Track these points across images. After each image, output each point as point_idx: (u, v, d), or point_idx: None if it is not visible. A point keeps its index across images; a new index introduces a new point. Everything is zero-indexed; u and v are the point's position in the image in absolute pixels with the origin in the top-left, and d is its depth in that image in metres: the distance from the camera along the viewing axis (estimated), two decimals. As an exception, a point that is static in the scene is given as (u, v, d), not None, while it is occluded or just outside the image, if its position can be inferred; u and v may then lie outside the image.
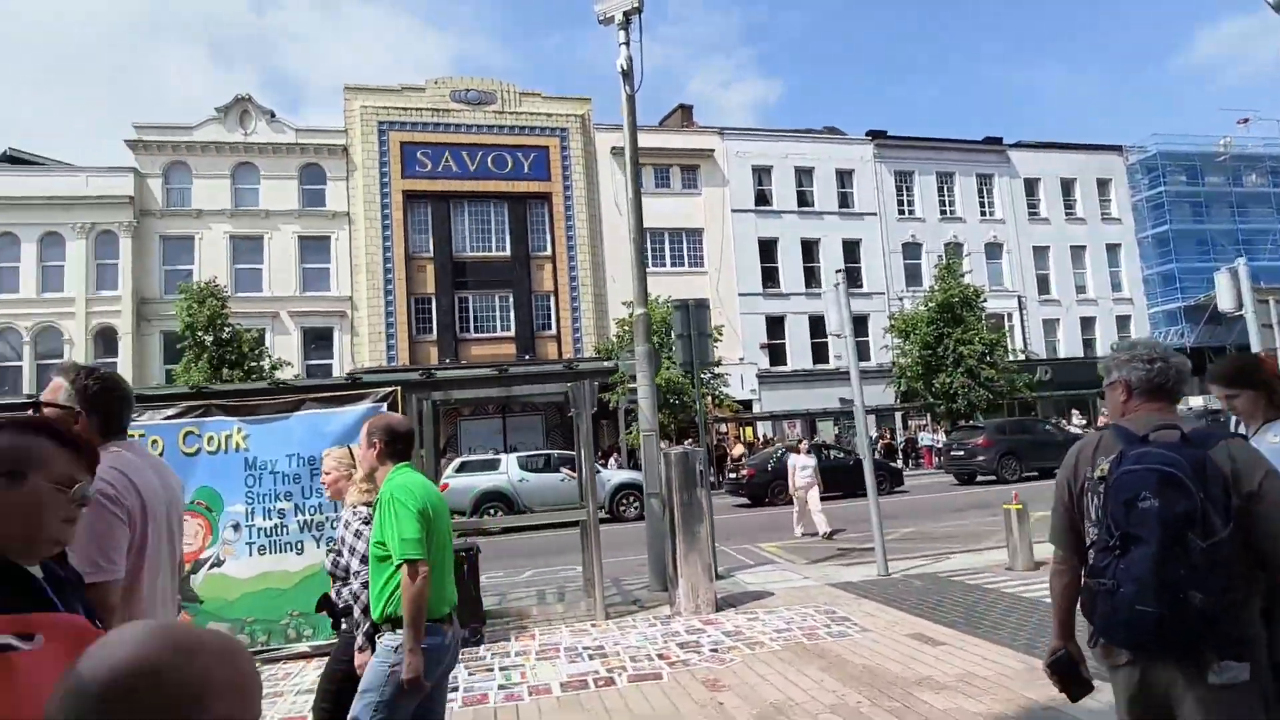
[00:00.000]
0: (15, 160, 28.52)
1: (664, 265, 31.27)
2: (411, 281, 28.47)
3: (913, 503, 16.75)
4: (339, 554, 3.53)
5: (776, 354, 31.31)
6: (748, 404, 30.10)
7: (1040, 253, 34.97)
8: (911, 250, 33.43)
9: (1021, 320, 33.56)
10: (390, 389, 6.66)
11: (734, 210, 31.64)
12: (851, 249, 32.70)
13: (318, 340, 27.97)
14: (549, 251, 29.94)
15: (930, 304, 27.09)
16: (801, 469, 12.27)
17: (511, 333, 28.98)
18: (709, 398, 25.13)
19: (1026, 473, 18.89)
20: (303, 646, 6.38)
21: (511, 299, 29.28)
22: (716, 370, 25.49)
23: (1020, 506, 8.08)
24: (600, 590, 6.99)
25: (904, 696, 4.53)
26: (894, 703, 4.44)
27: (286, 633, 6.39)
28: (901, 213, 33.72)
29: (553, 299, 29.76)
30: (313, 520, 6.49)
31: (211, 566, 6.34)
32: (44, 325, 26.19)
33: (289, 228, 28.12)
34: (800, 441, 13.91)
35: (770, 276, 32.02)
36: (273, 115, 28.54)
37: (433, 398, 6.76)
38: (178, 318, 22.34)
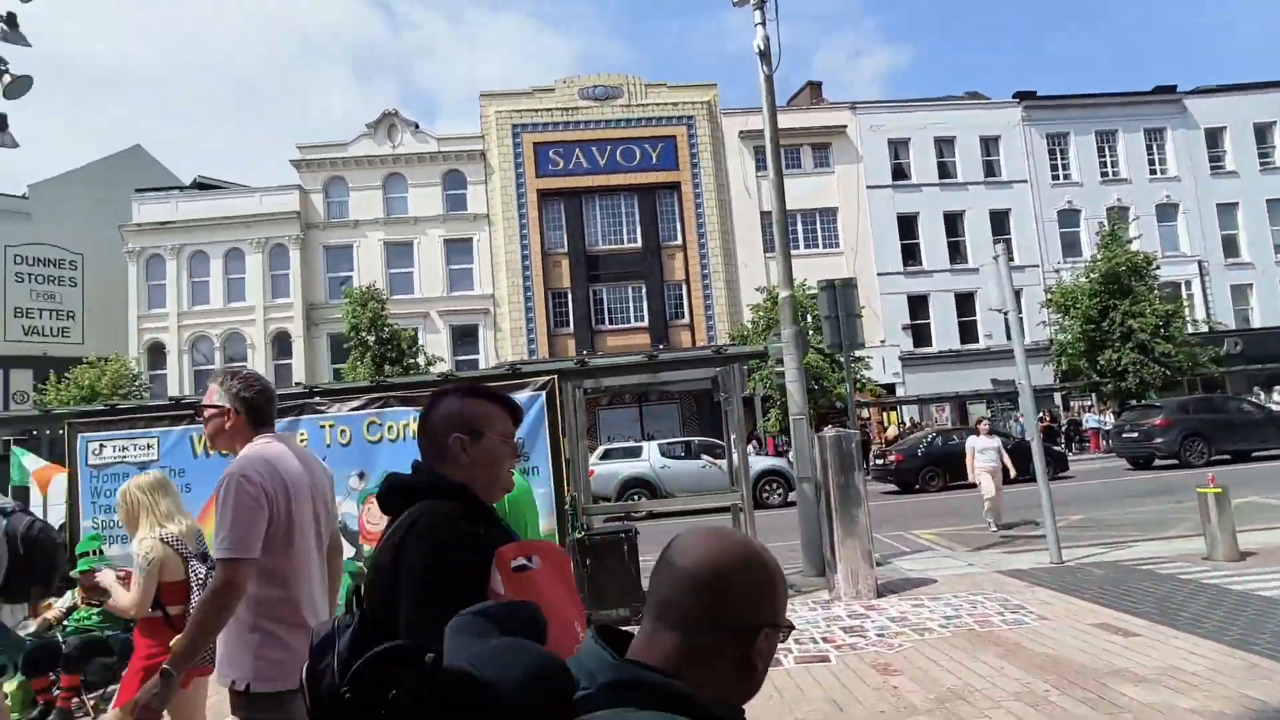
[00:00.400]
0: (203, 186, 31.96)
1: (797, 248, 30.54)
2: (548, 277, 29.47)
3: (1081, 488, 15.57)
4: None
5: (920, 335, 29.97)
6: (890, 388, 29.02)
7: (1226, 210, 31.31)
8: (1068, 218, 30.92)
9: (1203, 287, 30.28)
10: (548, 377, 6.94)
11: (869, 187, 30.49)
12: (1000, 220, 30.69)
13: (464, 337, 29.53)
14: (679, 240, 30.08)
15: (1092, 275, 24.89)
16: (981, 452, 10.79)
17: (645, 323, 29.39)
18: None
19: (1216, 456, 17.04)
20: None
21: (644, 289, 29.68)
22: (857, 354, 24.68)
23: (1220, 490, 7.32)
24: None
25: (1097, 687, 4.24)
26: (1086, 693, 4.17)
27: (463, 607, 6.83)
28: (1055, 178, 31.25)
29: (685, 288, 29.89)
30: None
31: (395, 545, 6.89)
32: (230, 332, 29.20)
33: (435, 232, 29.81)
34: (980, 421, 12.69)
35: (911, 254, 30.64)
36: (416, 126, 30.30)
37: (584, 385, 6.98)
38: (344, 320, 24.20)
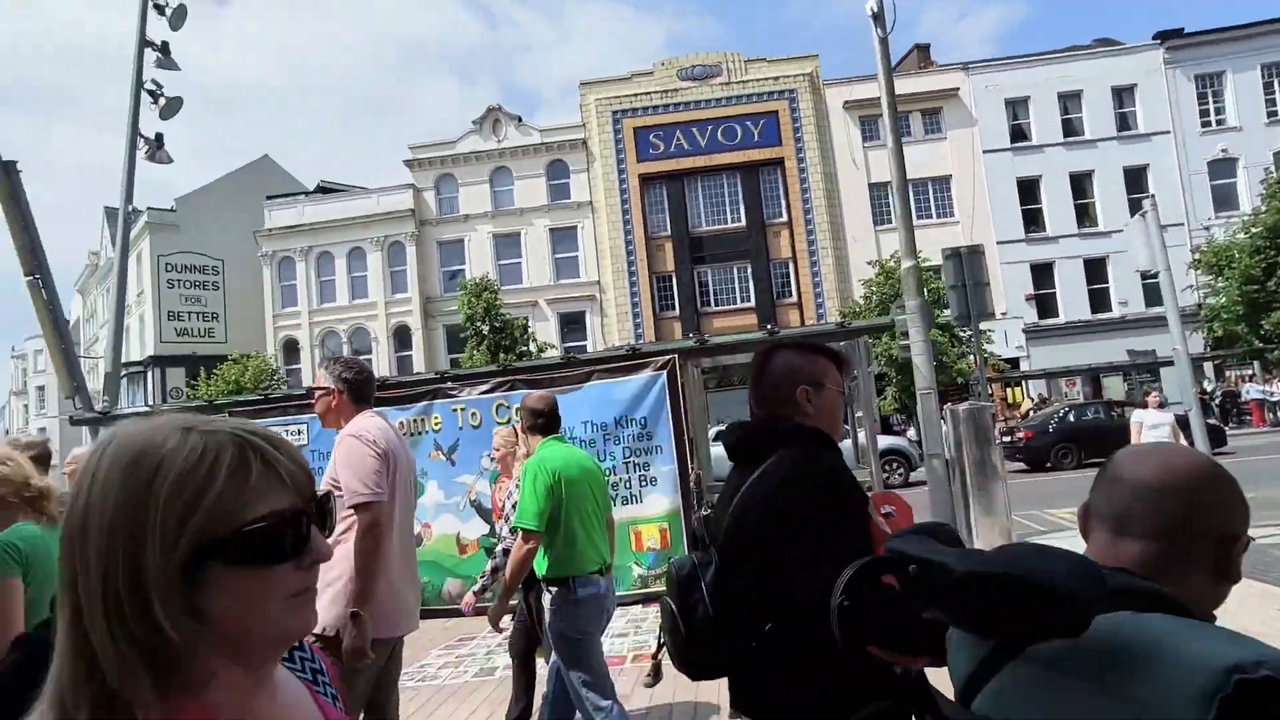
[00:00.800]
0: (326, 190, 33.87)
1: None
2: (652, 261, 29.53)
3: (1244, 465, 14.23)
4: (506, 520, 3.97)
5: (1045, 305, 28.19)
6: (1014, 362, 27.48)
7: None
8: (1222, 168, 28.06)
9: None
10: (668, 356, 6.94)
11: (986, 151, 28.84)
12: (1135, 177, 28.31)
13: (571, 324, 30.08)
14: (785, 217, 29.47)
15: (1255, 229, 22.34)
16: (1153, 428, 9.49)
17: (751, 303, 29.01)
18: (971, 356, 23.26)
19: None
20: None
21: (750, 269, 29.29)
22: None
23: None
24: (889, 553, 6.76)
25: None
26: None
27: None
28: (1206, 124, 28.40)
29: (791, 266, 29.29)
30: (608, 480, 6.97)
31: (526, 523, 7.09)
32: (356, 327, 30.91)
33: (540, 222, 30.44)
34: (1150, 394, 11.54)
35: (1033, 219, 28.81)
36: (520, 120, 30.95)
37: (702, 364, 6.93)
38: (459, 311, 25.14)
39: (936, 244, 26.39)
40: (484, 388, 7.31)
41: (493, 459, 7.27)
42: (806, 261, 29.04)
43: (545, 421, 3.42)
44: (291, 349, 31.28)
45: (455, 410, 7.33)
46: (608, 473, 7.00)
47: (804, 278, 28.88)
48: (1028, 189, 28.74)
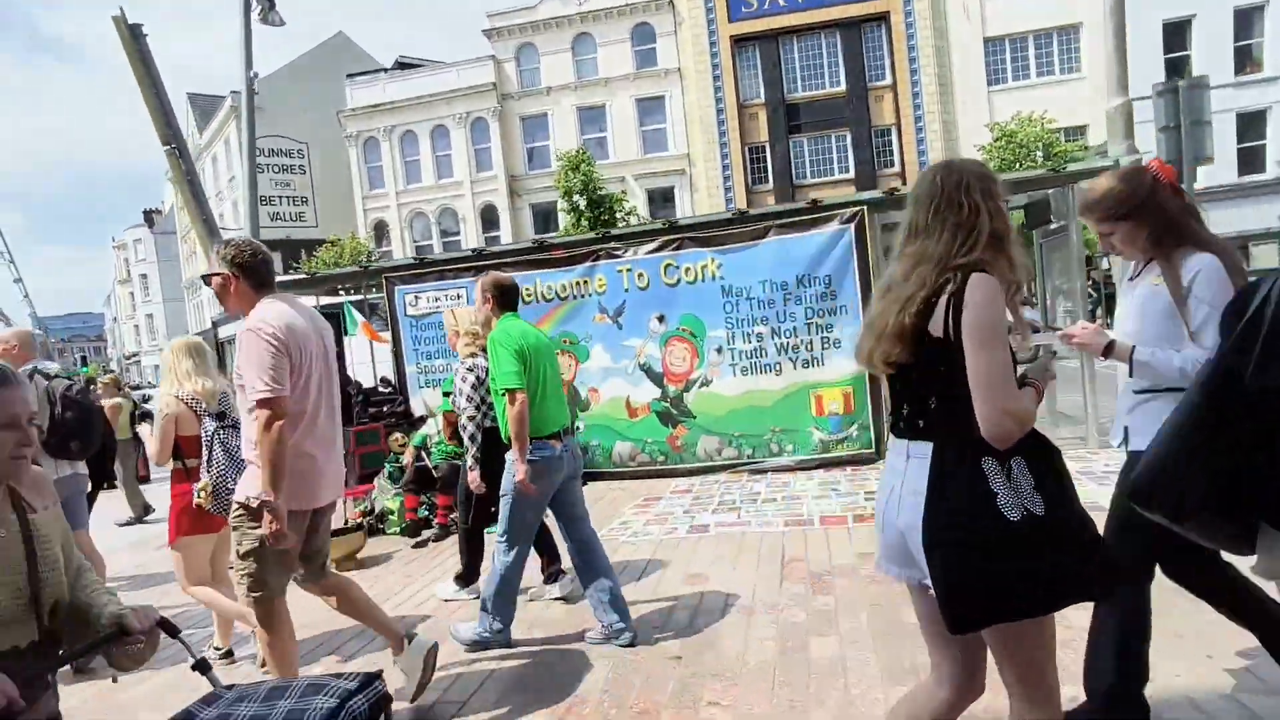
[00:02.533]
0: (405, 66, 32.98)
1: (1026, 77, 27.00)
2: (745, 131, 28.06)
3: None
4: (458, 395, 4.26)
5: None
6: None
7: None
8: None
9: None
10: (855, 208, 6.39)
11: (1122, -7, 25.61)
12: (1302, 17, 24.84)
13: (661, 200, 29.20)
14: (888, 80, 27.30)
15: None
16: None
17: (850, 174, 27.45)
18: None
19: None
20: (785, 460, 6.72)
21: (849, 138, 27.53)
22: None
23: None
24: (1094, 421, 6.30)
25: None
26: None
27: (769, 447, 6.77)
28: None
29: (895, 133, 27.39)
30: (788, 343, 6.63)
31: (701, 386, 6.86)
32: (443, 207, 30.77)
33: (626, 92, 29.06)
34: None
35: (1176, 69, 25.84)
36: (603, -22, 29.03)
37: (891, 218, 6.36)
38: (556, 185, 24.64)
39: (1060, 105, 24.36)
40: (650, 247, 6.94)
41: (662, 320, 7.02)
42: (911, 128, 27.08)
43: (510, 299, 3.62)
44: (382, 231, 31.50)
45: (620, 272, 7.01)
46: (789, 334, 6.67)
47: (908, 146, 27.02)
48: (1175, 33, 25.67)
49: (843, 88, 27.47)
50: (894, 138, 27.39)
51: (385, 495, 6.28)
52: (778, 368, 6.65)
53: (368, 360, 8.29)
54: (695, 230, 6.90)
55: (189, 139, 44.47)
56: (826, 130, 27.74)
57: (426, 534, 5.78)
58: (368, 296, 8.61)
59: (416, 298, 7.57)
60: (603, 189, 24.36)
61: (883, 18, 26.89)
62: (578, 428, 7.26)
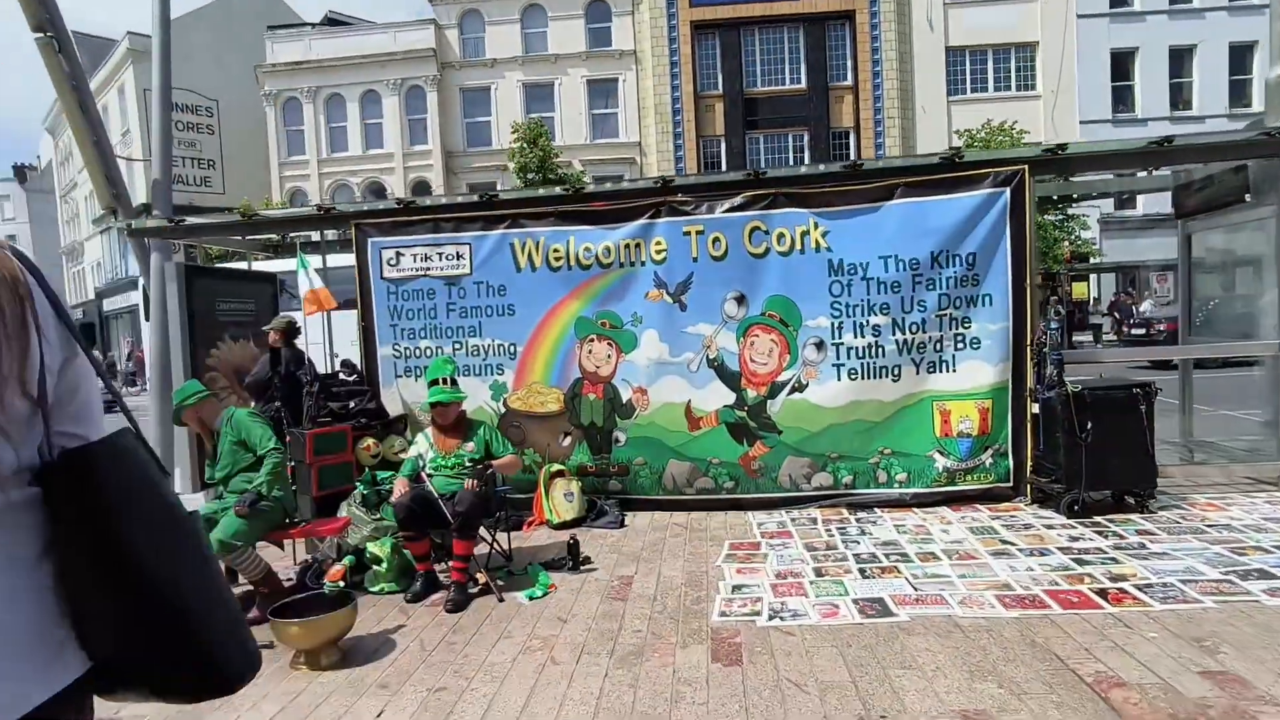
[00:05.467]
0: (335, 23, 29.95)
1: (983, 89, 26.88)
2: (700, 123, 26.73)
3: None
4: None
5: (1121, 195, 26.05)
6: (1084, 256, 25.63)
7: None
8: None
9: None
10: (1014, 166, 4.89)
11: (1080, 16, 25.79)
12: (1240, 58, 25.63)
13: (610, 189, 27.45)
14: (849, 81, 26.53)
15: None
16: None
17: (810, 175, 26.50)
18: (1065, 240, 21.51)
19: None
20: (894, 491, 5.15)
21: (806, 138, 26.60)
22: (1070, 213, 21.67)
23: None
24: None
25: None
26: None
27: (875, 474, 5.18)
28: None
29: (854, 136, 26.63)
30: (913, 340, 5.06)
31: (791, 391, 5.19)
32: (370, 180, 27.99)
33: (577, 72, 27.24)
34: None
35: (1123, 99, 26.21)
36: (559, -53, 27.07)
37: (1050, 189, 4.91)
38: (510, 158, 22.59)
39: (1014, 118, 24.02)
40: (732, 203, 5.23)
41: (741, 301, 5.32)
42: (870, 132, 26.39)
43: None
44: (299, 202, 28.39)
45: (687, 234, 5.28)
46: (914, 328, 5.10)
47: (866, 150, 26.30)
48: (1120, 63, 26.00)
49: (803, 85, 26.54)
50: (852, 142, 26.66)
51: (361, 530, 4.33)
52: (896, 371, 5.08)
53: (319, 338, 6.26)
54: (798, 184, 5.23)
55: (71, 87, 39.44)
56: (784, 128, 26.76)
57: (438, 596, 3.91)
58: (325, 255, 6.53)
59: (398, 255, 5.59)
60: (560, 169, 22.44)
61: (848, 16, 26.10)
62: (615, 439, 5.48)
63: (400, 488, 3.97)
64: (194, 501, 6.65)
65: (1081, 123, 26.04)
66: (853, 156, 26.59)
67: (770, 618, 3.38)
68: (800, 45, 26.48)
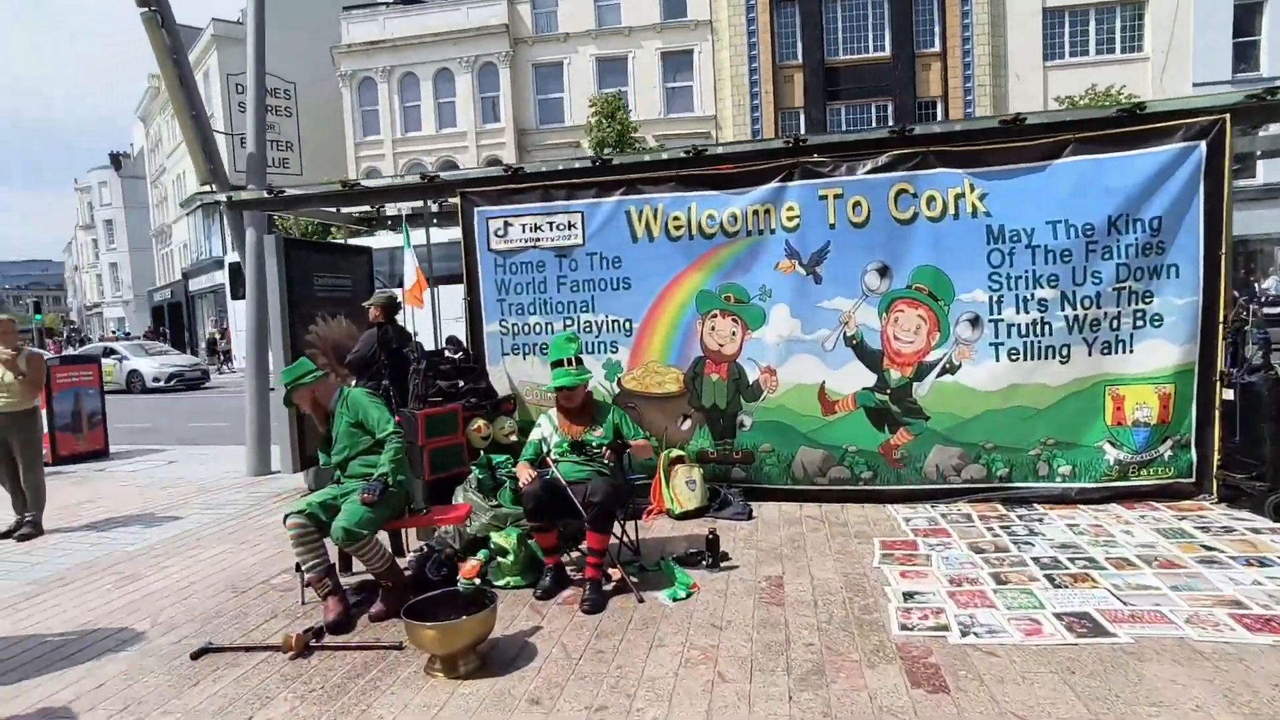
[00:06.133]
0: (408, 1, 30.04)
1: (1083, 52, 25.20)
2: (779, 94, 25.82)
3: None
4: None
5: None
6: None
7: None
8: None
9: None
10: (1212, 117, 4.24)
11: (1196, -33, 23.83)
12: (1382, 7, 23.27)
13: (684, 165, 26.88)
14: (937, 47, 25.18)
15: None
16: None
17: (893, 147, 25.36)
18: None
19: None
20: (1057, 486, 4.60)
21: (890, 109, 25.41)
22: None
23: None
24: None
25: None
26: None
27: (1035, 466, 4.64)
28: None
29: (941, 106, 25.33)
30: (1085, 317, 4.48)
31: (941, 373, 4.68)
32: (443, 159, 28.08)
33: (651, 44, 26.64)
34: None
35: (1245, 57, 24.15)
36: (633, -84, 26.44)
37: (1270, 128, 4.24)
38: (587, 133, 22.30)
39: (1119, 83, 22.40)
40: (875, 164, 4.72)
41: (884, 273, 4.82)
42: (960, 100, 25.02)
43: None
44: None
45: (823, 198, 4.79)
46: (1086, 303, 4.51)
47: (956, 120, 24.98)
48: (1245, 16, 23.92)
49: (887, 53, 25.33)
50: (940, 112, 25.36)
51: (480, 517, 4.05)
52: (1064, 352, 4.50)
53: (427, 312, 6.00)
54: (946, 141, 4.69)
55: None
56: (867, 99, 25.62)
57: (569, 593, 3.60)
58: (429, 225, 6.24)
59: (506, 225, 5.28)
60: (638, 144, 22.01)
61: (936, -21, 24.75)
62: (740, 423, 5.07)
63: (526, 474, 3.64)
64: (294, 481, 6.56)
65: (1195, 85, 24.12)
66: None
67: (963, 634, 2.93)
68: (884, 11, 25.26)
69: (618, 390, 5.24)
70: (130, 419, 13.06)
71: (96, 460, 8.62)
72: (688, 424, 5.16)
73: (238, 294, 20.27)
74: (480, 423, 4.93)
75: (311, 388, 3.73)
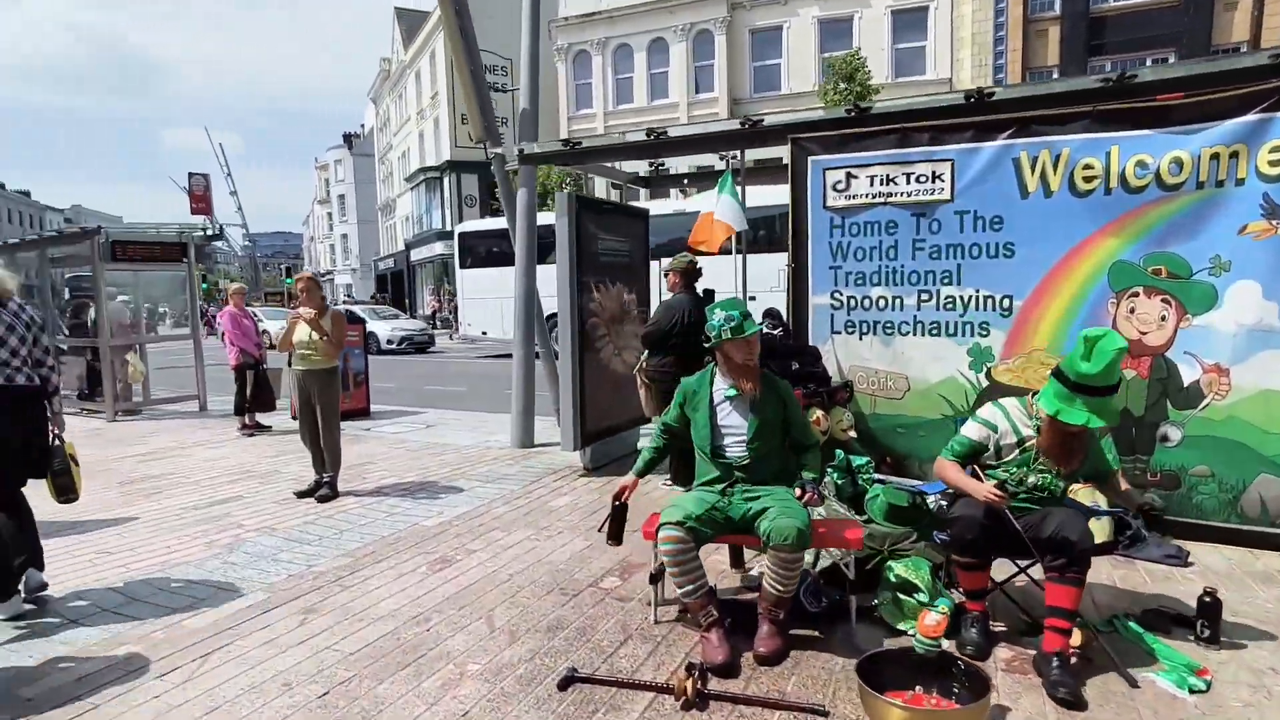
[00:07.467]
0: (624, -30, 29.94)
1: None
2: (1029, 53, 22.94)
3: None
4: None
5: None
6: None
7: None
8: None
9: None
10: None
11: None
12: None
13: (911, 134, 24.69)
14: (1243, -16, 21.16)
15: None
16: None
17: (1173, 108, 21.68)
18: None
19: None
20: None
21: (1172, 61, 21.68)
22: None
23: None
24: None
25: None
26: None
27: None
28: None
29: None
30: None
31: None
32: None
33: (881, 1, 24.63)
34: None
35: None
36: None
37: None
38: (823, 100, 21.04)
39: None
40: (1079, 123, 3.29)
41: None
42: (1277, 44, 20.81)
43: None
44: (586, 156, 29.11)
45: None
46: None
47: (1261, 72, 20.85)
48: None
49: (1173, -4, 21.64)
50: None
51: (875, 541, 3.19)
52: None
53: (729, 280, 5.28)
54: (1228, 87, 3.18)
55: (393, 56, 44.10)
56: (1141, 51, 22.06)
57: (1006, 655, 2.69)
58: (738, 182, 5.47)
59: (848, 178, 4.38)
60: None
61: (1244, -99, 20.69)
62: (1163, 436, 3.86)
63: (988, 491, 2.68)
64: (567, 459, 6.14)
65: None
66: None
67: None
68: (1170, -55, 21.55)
69: (985, 384, 4.20)
70: (374, 379, 13.73)
71: (360, 419, 8.84)
72: (1083, 432, 4.02)
73: (465, 263, 21.13)
74: (818, 414, 4.10)
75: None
